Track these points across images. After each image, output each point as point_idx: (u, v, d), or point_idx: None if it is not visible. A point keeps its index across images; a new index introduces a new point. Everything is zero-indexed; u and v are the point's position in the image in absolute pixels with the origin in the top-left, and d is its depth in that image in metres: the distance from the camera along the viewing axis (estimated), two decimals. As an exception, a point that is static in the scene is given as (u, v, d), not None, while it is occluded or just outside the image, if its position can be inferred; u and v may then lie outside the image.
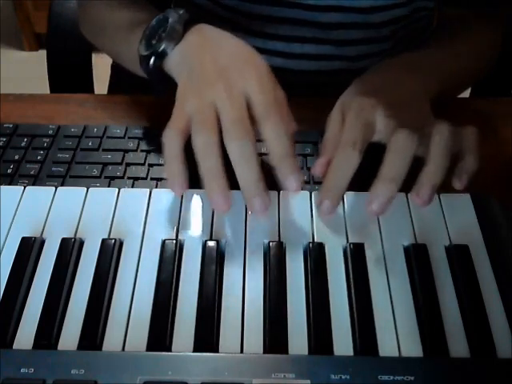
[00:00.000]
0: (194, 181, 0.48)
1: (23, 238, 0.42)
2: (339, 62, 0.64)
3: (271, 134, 0.40)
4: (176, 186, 0.41)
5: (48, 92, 0.75)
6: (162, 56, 0.47)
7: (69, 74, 0.78)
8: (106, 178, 0.49)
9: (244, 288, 0.39)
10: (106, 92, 0.79)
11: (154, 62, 0.47)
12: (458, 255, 0.41)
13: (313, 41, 0.62)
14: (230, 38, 0.46)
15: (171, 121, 0.42)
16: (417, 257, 0.41)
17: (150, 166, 0.50)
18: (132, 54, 0.51)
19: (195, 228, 0.43)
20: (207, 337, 0.37)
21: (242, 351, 0.36)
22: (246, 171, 0.39)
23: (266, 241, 0.42)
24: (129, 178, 0.49)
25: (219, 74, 0.43)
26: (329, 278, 0.40)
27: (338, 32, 0.62)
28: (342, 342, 0.36)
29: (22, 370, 0.34)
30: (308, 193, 0.45)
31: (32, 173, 0.49)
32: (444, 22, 0.65)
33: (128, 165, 0.50)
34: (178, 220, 0.44)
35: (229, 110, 0.41)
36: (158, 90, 0.50)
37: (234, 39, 0.46)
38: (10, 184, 0.48)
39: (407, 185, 0.43)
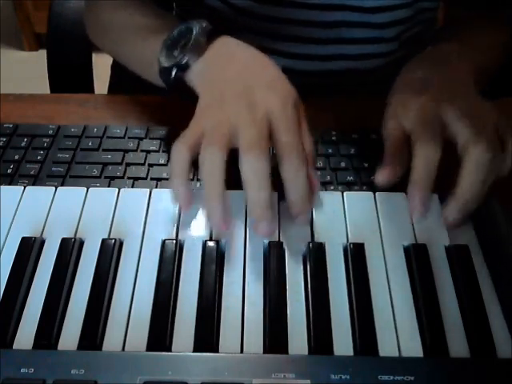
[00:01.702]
0: (195, 179, 0.49)
1: (23, 238, 0.42)
2: (344, 62, 0.64)
3: (291, 175, 0.40)
4: (180, 202, 0.41)
5: (48, 92, 0.75)
6: (184, 68, 0.46)
7: (69, 74, 0.78)
8: (106, 178, 0.49)
9: (244, 288, 0.39)
10: (106, 92, 0.79)
11: (176, 73, 0.47)
12: (458, 255, 0.41)
13: (317, 41, 0.62)
14: (254, 54, 0.46)
15: (184, 134, 0.41)
16: (417, 257, 0.41)
17: (150, 165, 0.50)
18: (146, 60, 0.50)
19: (195, 228, 0.43)
20: (207, 337, 0.37)
21: (242, 351, 0.36)
22: (257, 195, 0.39)
23: (266, 241, 0.42)
24: (129, 178, 0.49)
25: (242, 92, 0.42)
26: (329, 277, 0.40)
27: (341, 31, 0.62)
28: (342, 342, 0.37)
29: (22, 370, 0.34)
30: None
31: (32, 173, 0.49)
32: (447, 24, 0.65)
33: (128, 165, 0.50)
34: (178, 220, 0.44)
35: (250, 129, 0.40)
36: (174, 95, 0.50)
37: (258, 55, 0.45)
38: (10, 184, 0.48)
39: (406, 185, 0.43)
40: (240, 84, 0.43)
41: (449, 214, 0.42)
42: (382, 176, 0.44)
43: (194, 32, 0.46)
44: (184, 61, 0.46)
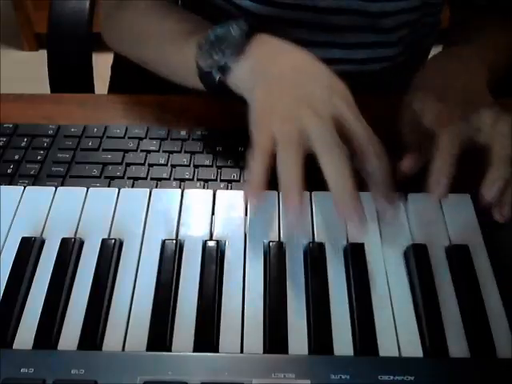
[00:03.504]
0: (194, 179, 0.49)
1: (23, 238, 0.42)
2: (348, 66, 0.64)
3: (377, 169, 0.41)
4: (253, 209, 0.42)
5: (48, 92, 0.75)
6: (226, 70, 0.46)
7: (69, 74, 0.78)
8: (106, 178, 0.49)
9: (244, 288, 0.39)
10: (106, 92, 0.79)
11: (218, 76, 0.46)
12: (458, 255, 0.41)
13: (323, 44, 0.62)
14: (300, 53, 0.45)
15: (257, 144, 0.41)
16: (417, 257, 0.41)
17: (150, 165, 0.50)
18: (179, 64, 0.50)
19: (195, 228, 0.43)
20: (207, 337, 0.37)
21: (242, 351, 0.36)
22: (343, 193, 0.39)
23: (266, 241, 0.42)
24: (129, 178, 0.49)
25: (303, 96, 0.42)
26: (329, 277, 0.40)
27: (346, 35, 0.62)
28: (342, 342, 0.37)
29: (22, 370, 0.34)
30: (308, 193, 0.45)
31: (32, 173, 0.49)
32: (456, 25, 0.66)
33: (128, 165, 0.50)
34: (178, 220, 0.44)
35: (322, 132, 0.40)
36: (214, 97, 0.49)
37: (304, 54, 0.45)
38: (10, 184, 0.48)
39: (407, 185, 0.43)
40: (298, 87, 0.43)
41: (491, 183, 0.42)
42: (407, 162, 0.45)
43: (233, 32, 0.46)
44: (225, 62, 0.45)
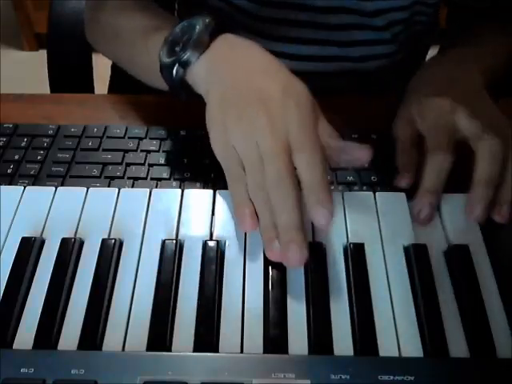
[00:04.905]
0: (194, 179, 0.49)
1: (23, 238, 0.42)
2: (344, 63, 0.65)
3: (304, 164, 0.38)
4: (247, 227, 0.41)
5: (48, 92, 0.75)
6: (185, 65, 0.45)
7: (69, 74, 0.78)
8: (106, 178, 0.49)
9: (244, 288, 0.39)
10: (106, 92, 0.80)
11: (177, 70, 0.45)
12: (458, 255, 0.41)
13: (319, 42, 0.63)
14: (259, 52, 0.44)
15: (226, 169, 0.41)
16: (417, 257, 0.41)
17: (150, 165, 0.50)
18: (147, 60, 0.49)
19: (195, 228, 0.43)
20: (207, 337, 0.37)
21: (242, 351, 0.36)
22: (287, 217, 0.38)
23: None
24: (129, 178, 0.49)
25: (259, 104, 0.40)
26: (329, 277, 0.40)
27: (342, 33, 0.62)
28: (342, 342, 0.37)
29: (22, 370, 0.34)
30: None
31: (32, 173, 0.49)
32: (455, 26, 0.66)
33: (128, 165, 0.50)
34: (178, 220, 0.44)
35: (272, 156, 0.39)
36: (179, 97, 0.48)
37: (263, 53, 0.44)
38: (9, 184, 0.48)
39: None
40: (253, 90, 0.41)
41: (473, 204, 0.43)
42: (403, 181, 0.46)
43: (197, 28, 0.45)
44: (185, 57, 0.44)
